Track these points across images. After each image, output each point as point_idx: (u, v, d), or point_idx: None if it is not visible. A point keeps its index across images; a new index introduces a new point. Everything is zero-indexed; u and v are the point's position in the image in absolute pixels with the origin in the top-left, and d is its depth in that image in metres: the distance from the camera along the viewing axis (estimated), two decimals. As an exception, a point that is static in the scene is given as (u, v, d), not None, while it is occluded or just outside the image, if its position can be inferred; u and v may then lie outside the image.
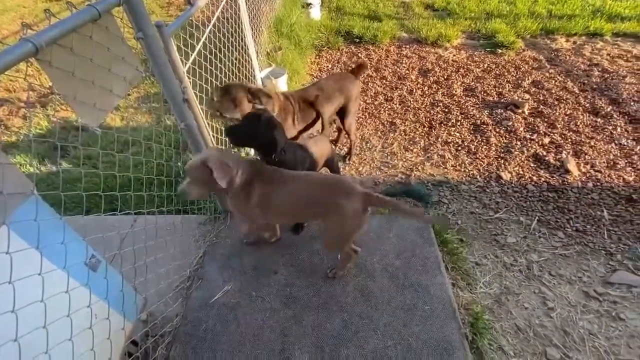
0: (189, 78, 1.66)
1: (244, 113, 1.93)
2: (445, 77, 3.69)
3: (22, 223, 0.87)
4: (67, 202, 2.30)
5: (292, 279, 1.79)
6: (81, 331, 1.05)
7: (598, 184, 2.35)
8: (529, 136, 2.79)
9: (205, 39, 1.94)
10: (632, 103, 3.01)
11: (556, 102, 3.14)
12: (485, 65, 3.82)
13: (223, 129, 2.26)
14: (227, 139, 1.73)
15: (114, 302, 1.23)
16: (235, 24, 2.53)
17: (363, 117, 3.22)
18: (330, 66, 4.07)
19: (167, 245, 1.83)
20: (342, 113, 2.46)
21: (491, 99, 3.29)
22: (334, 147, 2.27)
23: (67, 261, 1.01)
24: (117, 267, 1.39)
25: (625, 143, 2.63)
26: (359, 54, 4.27)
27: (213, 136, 1.95)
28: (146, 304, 1.57)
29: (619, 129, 2.76)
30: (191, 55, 1.74)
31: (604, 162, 2.49)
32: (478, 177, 2.52)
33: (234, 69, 2.48)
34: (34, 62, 0.90)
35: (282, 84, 3.15)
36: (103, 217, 1.92)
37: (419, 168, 2.64)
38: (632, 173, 2.39)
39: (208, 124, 1.87)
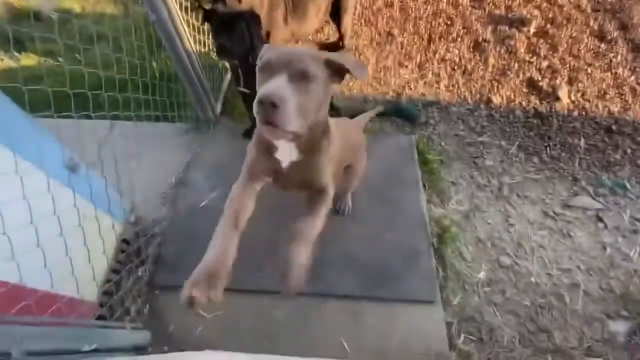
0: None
1: None
2: (454, -18, 3.28)
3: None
4: (32, 102, 2.13)
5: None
6: (71, 230, 1.09)
7: (583, 112, 2.37)
8: (528, 59, 2.67)
9: None
10: (639, 29, 2.84)
11: (565, 22, 2.92)
12: (500, -30, 3.38)
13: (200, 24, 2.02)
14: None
15: (100, 203, 1.25)
16: None
17: (358, 24, 2.93)
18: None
19: (149, 153, 1.80)
20: (336, 12, 2.22)
21: (498, 12, 3.01)
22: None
23: (44, 160, 0.98)
24: (98, 172, 1.37)
25: (621, 72, 2.57)
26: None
27: (190, 33, 1.75)
28: (133, 208, 1.61)
29: (619, 57, 2.66)
30: None
31: (595, 91, 2.47)
32: (469, 99, 2.47)
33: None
34: None
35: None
36: (76, 120, 1.81)
37: (412, 86, 2.54)
38: (619, 104, 2.40)
39: (183, 17, 1.65)
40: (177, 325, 1.47)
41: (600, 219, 1.89)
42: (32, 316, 0.91)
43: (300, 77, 0.78)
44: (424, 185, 1.93)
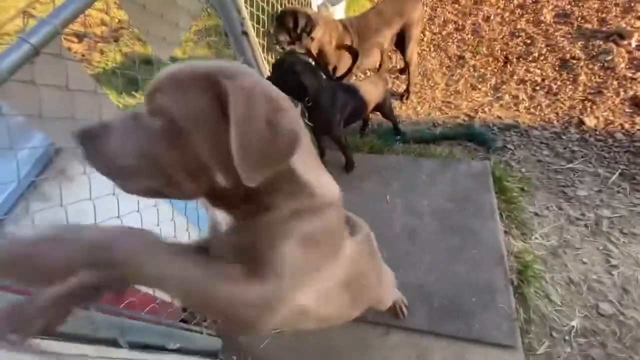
0: (247, 8, 1.63)
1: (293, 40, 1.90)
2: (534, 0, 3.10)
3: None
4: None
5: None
6: (176, 236, 1.27)
7: None
8: (630, 75, 2.33)
9: (262, -37, 1.83)
10: None
11: (680, 31, 2.51)
12: (591, -18, 3.09)
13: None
14: None
15: (191, 216, 1.44)
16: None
17: (427, 49, 2.93)
18: (394, -10, 3.62)
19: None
20: (401, 42, 2.27)
21: (590, 26, 2.73)
22: (388, 88, 2.15)
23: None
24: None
25: None
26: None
27: (269, 71, 1.96)
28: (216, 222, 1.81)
29: None
30: (248, -18, 1.68)
31: None
32: (555, 121, 2.24)
33: (291, -5, 2.34)
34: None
35: (339, 13, 2.93)
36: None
37: (486, 109, 2.41)
38: None
39: (264, 57, 1.87)
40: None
41: None
42: (135, 311, 1.07)
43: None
44: (501, 215, 1.78)
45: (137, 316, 1.06)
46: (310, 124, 1.88)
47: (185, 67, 0.49)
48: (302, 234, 0.55)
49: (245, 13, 1.58)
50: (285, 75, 1.63)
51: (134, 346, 1.01)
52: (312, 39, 1.96)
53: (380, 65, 2.10)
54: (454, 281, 1.54)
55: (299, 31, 1.87)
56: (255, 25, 1.77)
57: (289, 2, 2.35)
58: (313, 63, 2.22)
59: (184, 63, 0.50)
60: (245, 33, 1.58)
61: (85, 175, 0.89)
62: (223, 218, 0.59)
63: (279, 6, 2.13)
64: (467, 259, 1.59)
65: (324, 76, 1.78)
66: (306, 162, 0.57)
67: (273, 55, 2.08)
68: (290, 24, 1.86)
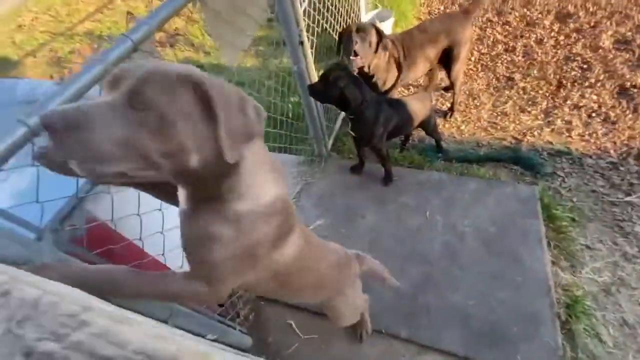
0: (304, 20, 1.70)
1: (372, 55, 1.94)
2: (592, 24, 2.98)
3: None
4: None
5: (378, 226, 1.88)
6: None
7: None
8: (702, 107, 2.17)
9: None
10: None
11: None
12: (657, 8, 2.94)
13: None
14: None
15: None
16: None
17: (474, 69, 2.89)
18: (442, 9, 3.63)
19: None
20: (448, 60, 2.26)
21: (655, 54, 2.58)
22: (433, 105, 2.13)
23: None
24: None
25: None
26: (480, -6, 3.68)
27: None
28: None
29: None
30: (308, -4, 1.76)
31: None
32: (612, 151, 2.12)
33: (342, 10, 2.42)
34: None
35: (387, 28, 2.98)
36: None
37: (535, 133, 2.33)
38: None
39: (317, 69, 1.93)
40: (275, 338, 1.58)
41: None
42: (181, 298, 1.12)
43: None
44: (549, 244, 1.69)
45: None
46: (352, 133, 1.91)
47: (165, 66, 0.56)
48: (235, 239, 0.67)
49: (303, 25, 1.66)
50: (329, 86, 1.68)
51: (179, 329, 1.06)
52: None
53: (429, 81, 2.11)
54: (495, 307, 1.47)
55: (381, 45, 1.93)
56: (310, 37, 1.85)
57: (341, 18, 2.42)
58: (358, 76, 2.26)
59: (156, 63, 0.58)
60: (302, 43, 1.65)
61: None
62: (181, 200, 0.68)
63: (332, 20, 2.20)
64: (511, 286, 1.52)
65: (369, 90, 1.80)
66: (255, 161, 0.68)
67: (321, 65, 2.14)
68: (372, 37, 1.91)
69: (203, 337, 1.18)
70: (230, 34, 1.19)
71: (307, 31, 1.80)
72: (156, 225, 1.03)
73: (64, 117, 0.47)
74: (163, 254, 1.08)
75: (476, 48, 3.06)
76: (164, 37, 4.70)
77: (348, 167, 2.21)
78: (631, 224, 1.78)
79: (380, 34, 1.92)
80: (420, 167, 2.21)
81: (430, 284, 1.60)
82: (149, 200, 0.95)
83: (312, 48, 1.87)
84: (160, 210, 1.02)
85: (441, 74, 2.90)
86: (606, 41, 2.79)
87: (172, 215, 1.02)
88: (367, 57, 1.94)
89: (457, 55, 2.21)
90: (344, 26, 2.28)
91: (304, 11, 1.70)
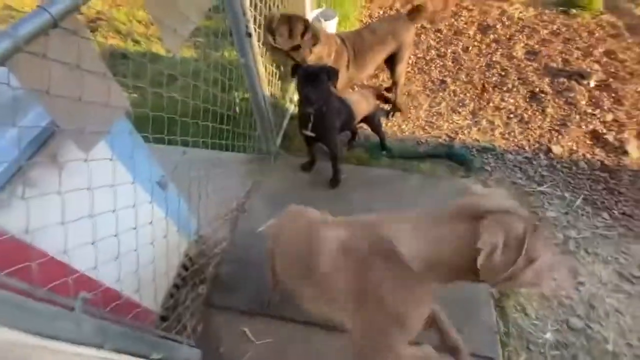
0: (251, 12, 1.63)
1: (293, 45, 1.90)
2: (507, 36, 3.38)
3: (116, 136, 0.95)
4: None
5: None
6: (148, 242, 1.19)
7: (657, 169, 2.22)
8: (590, 111, 2.60)
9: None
10: None
11: (628, 77, 2.85)
12: (555, 26, 3.45)
13: (274, 69, 2.25)
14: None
15: (180, 219, 1.36)
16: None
17: (412, 72, 3.07)
18: (382, 12, 3.81)
19: (215, 178, 1.94)
20: (392, 61, 2.37)
21: (555, 65, 3.02)
22: (377, 102, 2.22)
23: (147, 176, 1.12)
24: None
25: (699, 129, 2.41)
26: (414, 2, 3.94)
27: (267, 76, 1.96)
28: (198, 227, 1.72)
29: (694, 114, 2.51)
30: (253, -14, 1.69)
31: (669, 148, 2.32)
32: (526, 147, 2.43)
33: (288, 5, 2.37)
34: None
35: (331, 28, 3.01)
36: (155, 145, 2.04)
37: (465, 132, 2.56)
38: (699, 162, 2.23)
39: (264, 64, 1.86)
40: (227, 347, 1.48)
41: (687, 287, 1.69)
42: (118, 316, 0.98)
43: None
44: (482, 232, 1.87)
45: (120, 321, 0.97)
46: (311, 134, 1.86)
47: None
48: None
49: (250, 16, 1.58)
50: (318, 84, 1.63)
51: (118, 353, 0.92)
52: (311, 52, 1.98)
53: (393, 85, 2.17)
54: (440, 295, 1.57)
55: (304, 39, 1.89)
56: (257, 29, 1.77)
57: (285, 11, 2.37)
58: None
59: None
60: (249, 34, 1.57)
61: (77, 164, 0.82)
62: None
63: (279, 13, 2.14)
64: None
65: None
66: None
67: (272, 61, 2.08)
68: (297, 30, 1.87)
69: (147, 357, 1.06)
70: (172, 19, 1.08)
71: (254, 23, 1.73)
72: (86, 236, 0.88)
73: None
74: (95, 268, 0.93)
75: (413, 52, 3.26)
76: (83, 21, 4.13)
77: (298, 165, 2.18)
78: (544, 209, 2.07)
79: (306, 24, 1.89)
80: (367, 164, 2.28)
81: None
82: (76, 207, 0.81)
83: (259, 41, 1.80)
84: (91, 216, 0.88)
85: (382, 76, 3.04)
86: (519, 52, 3.20)
87: (104, 223, 0.88)
88: (288, 46, 1.90)
89: (401, 57, 2.33)
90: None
91: (251, 2, 1.62)
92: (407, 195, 1.99)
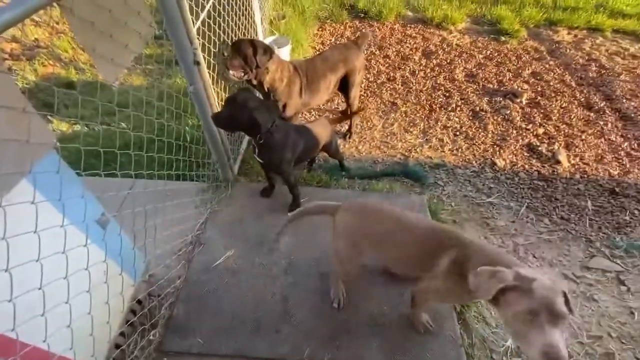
0: (198, 40, 1.61)
1: (251, 68, 1.92)
2: (448, 60, 3.68)
3: (43, 175, 0.86)
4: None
5: (292, 248, 1.84)
6: (90, 287, 1.07)
7: (585, 175, 2.47)
8: (524, 126, 2.87)
9: (214, 0, 1.86)
10: (624, 101, 3.11)
11: (553, 94, 3.21)
12: (488, 52, 3.83)
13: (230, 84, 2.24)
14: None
15: (123, 260, 1.24)
16: (243, -14, 2.42)
17: (365, 95, 3.21)
18: (333, 40, 3.98)
19: (168, 210, 1.83)
20: (345, 86, 2.46)
21: (491, 86, 3.33)
22: (333, 129, 2.28)
23: (82, 216, 1.02)
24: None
25: (614, 139, 2.74)
26: (363, 30, 4.18)
27: (218, 102, 1.92)
28: (149, 265, 1.59)
29: (609, 125, 2.87)
30: (201, 14, 1.68)
31: (592, 156, 2.61)
32: (473, 162, 2.60)
33: (239, 34, 2.39)
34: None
35: (285, 54, 3.08)
36: (101, 178, 1.89)
37: (418, 150, 2.69)
38: (617, 167, 2.52)
39: (214, 89, 1.83)
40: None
41: (622, 282, 1.85)
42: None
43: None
44: (440, 245, 1.93)
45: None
46: (260, 160, 1.86)
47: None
48: None
49: (198, 44, 1.56)
50: (238, 110, 1.60)
51: None
52: (268, 69, 2.00)
53: (348, 110, 2.24)
54: (404, 312, 1.58)
55: (257, 59, 1.90)
56: (207, 57, 1.75)
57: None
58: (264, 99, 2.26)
59: None
60: (197, 62, 1.55)
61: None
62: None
63: (229, 42, 2.15)
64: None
65: (278, 114, 1.80)
66: None
67: (223, 87, 2.05)
68: (248, 52, 1.88)
69: None
70: (108, 48, 1.02)
71: (203, 51, 1.71)
72: (1, 291, 0.77)
73: None
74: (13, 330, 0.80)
75: (365, 76, 3.42)
76: (18, 49, 3.84)
77: (257, 191, 2.13)
78: (494, 219, 2.19)
79: (255, 48, 1.92)
80: (327, 185, 2.29)
81: (347, 298, 1.63)
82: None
83: (209, 69, 1.77)
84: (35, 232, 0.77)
85: (337, 100, 3.13)
86: (459, 74, 3.48)
87: (26, 273, 0.78)
88: (246, 70, 1.94)
89: (353, 82, 2.43)
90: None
91: (198, 30, 1.61)
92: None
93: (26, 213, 0.82)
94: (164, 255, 1.70)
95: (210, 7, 1.79)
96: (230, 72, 1.93)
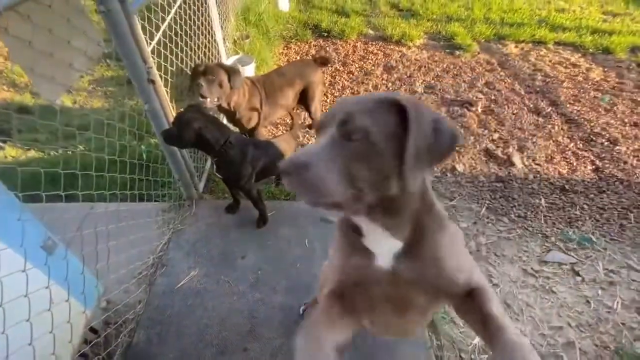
0: (154, 59, 1.61)
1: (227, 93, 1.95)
2: (408, 74, 3.87)
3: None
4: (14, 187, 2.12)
5: (259, 263, 1.82)
6: (39, 314, 1.01)
7: (538, 175, 2.63)
8: (481, 132, 3.03)
9: (171, 20, 1.88)
10: (568, 105, 3.37)
11: (505, 102, 3.42)
12: (445, 65, 4.06)
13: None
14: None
15: (72, 286, 1.18)
16: (202, 7, 2.47)
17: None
18: (298, 58, 4.08)
19: (128, 232, 1.76)
20: (305, 100, 2.52)
21: (449, 96, 3.51)
22: (299, 142, 2.31)
23: (22, 241, 0.96)
24: (74, 252, 1.33)
25: (561, 140, 2.95)
26: (327, 48, 4.33)
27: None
28: (105, 291, 1.52)
29: (556, 128, 3.09)
30: (156, 35, 1.69)
31: (543, 157, 2.79)
32: (435, 168, 2.70)
33: (200, 53, 2.42)
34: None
35: (249, 72, 3.12)
36: (55, 204, 1.80)
37: (383, 159, 2.77)
38: (566, 166, 2.70)
39: (173, 107, 1.83)
40: None
41: (577, 273, 1.95)
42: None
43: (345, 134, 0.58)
44: (406, 250, 1.96)
45: None
46: (219, 176, 1.85)
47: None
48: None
49: (152, 62, 1.57)
50: (184, 129, 1.58)
51: None
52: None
53: (292, 123, 2.27)
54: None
55: (231, 84, 1.92)
56: (163, 75, 1.75)
57: (199, 59, 2.41)
58: (223, 114, 2.27)
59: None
60: (152, 81, 1.54)
61: None
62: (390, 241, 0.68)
63: (188, 60, 2.17)
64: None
65: (230, 130, 1.80)
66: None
67: (178, 105, 2.05)
68: (222, 78, 1.89)
69: None
70: (47, 67, 1.01)
71: (160, 70, 1.71)
72: None
73: (295, 163, 0.56)
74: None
75: (329, 92, 3.52)
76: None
77: (223, 208, 2.11)
78: (457, 222, 2.27)
79: (228, 73, 1.95)
80: (295, 198, 2.30)
81: (316, 311, 1.61)
82: None
83: (166, 87, 1.77)
84: None
85: (304, 115, 3.19)
86: (419, 87, 3.66)
87: None
88: (221, 96, 1.96)
89: (312, 95, 2.49)
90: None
91: (153, 50, 1.61)
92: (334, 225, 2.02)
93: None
94: (123, 279, 1.63)
95: (166, 27, 1.81)
96: (207, 100, 1.90)
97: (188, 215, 2.04)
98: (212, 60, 2.71)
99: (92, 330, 1.38)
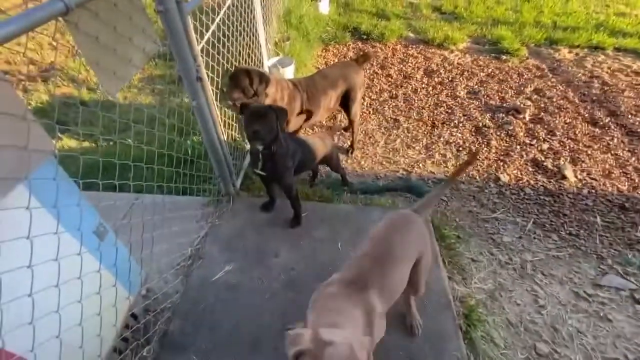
0: (202, 58, 1.66)
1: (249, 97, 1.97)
2: (450, 79, 3.73)
3: (39, 182, 0.87)
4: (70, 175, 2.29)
5: (292, 263, 1.81)
6: (88, 296, 1.06)
7: (593, 191, 2.41)
8: (528, 141, 2.85)
9: (220, 21, 1.94)
10: (629, 116, 3.08)
11: (556, 111, 3.20)
12: (490, 70, 3.87)
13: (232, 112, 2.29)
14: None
15: (119, 272, 1.23)
16: (248, 9, 2.52)
17: (367, 112, 3.25)
18: (336, 60, 4.08)
19: (169, 224, 1.83)
20: (346, 102, 2.49)
21: (494, 103, 3.34)
22: (334, 143, 2.29)
23: (80, 226, 1.02)
24: (121, 240, 1.39)
25: (621, 154, 2.70)
26: (365, 50, 4.29)
27: (221, 118, 1.96)
28: (147, 279, 1.57)
29: (615, 140, 2.83)
30: (205, 34, 1.75)
31: (599, 171, 2.56)
32: (477, 177, 2.57)
33: (244, 54, 2.48)
34: (35, 36, 0.91)
35: (289, 74, 3.16)
36: (105, 193, 1.92)
37: (420, 165, 2.68)
38: (626, 182, 2.46)
39: (217, 105, 1.88)
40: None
41: (637, 301, 1.76)
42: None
43: None
44: (444, 262, 1.87)
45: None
46: (262, 173, 1.85)
47: None
48: None
49: (201, 60, 1.62)
50: (267, 121, 1.61)
51: None
52: (267, 94, 2.05)
53: (350, 125, 2.27)
54: (406, 331, 1.51)
55: (254, 88, 1.95)
56: (210, 74, 1.80)
57: (243, 60, 2.47)
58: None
59: None
60: (200, 79, 1.59)
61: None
62: None
63: (233, 60, 2.22)
64: (417, 306, 1.60)
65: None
66: None
67: (224, 104, 2.10)
68: (244, 83, 1.93)
69: None
70: (110, 62, 1.06)
71: (207, 69, 1.76)
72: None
73: None
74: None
75: (367, 95, 3.47)
76: (34, 71, 4.03)
77: (258, 205, 2.13)
78: (500, 235, 2.14)
79: (251, 78, 1.97)
80: (330, 200, 2.27)
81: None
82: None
83: (212, 85, 1.82)
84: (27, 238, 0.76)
85: (340, 116, 3.17)
86: (461, 92, 3.51)
87: (15, 279, 0.78)
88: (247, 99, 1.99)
89: (353, 98, 2.46)
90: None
91: (202, 49, 1.66)
92: (368, 230, 1.98)
93: (22, 219, 0.82)
94: (163, 269, 1.69)
95: (215, 27, 1.87)
96: (231, 103, 1.98)
97: (225, 211, 2.08)
98: (254, 61, 2.77)
99: (133, 316, 1.44)
